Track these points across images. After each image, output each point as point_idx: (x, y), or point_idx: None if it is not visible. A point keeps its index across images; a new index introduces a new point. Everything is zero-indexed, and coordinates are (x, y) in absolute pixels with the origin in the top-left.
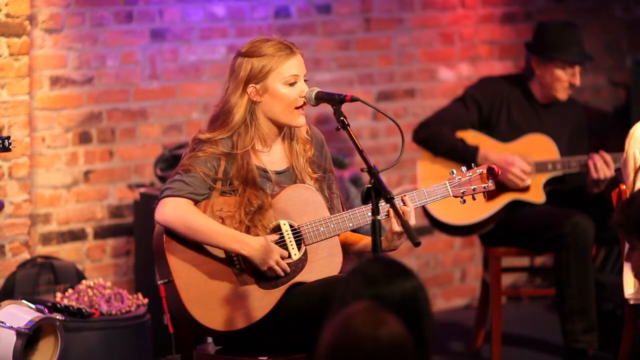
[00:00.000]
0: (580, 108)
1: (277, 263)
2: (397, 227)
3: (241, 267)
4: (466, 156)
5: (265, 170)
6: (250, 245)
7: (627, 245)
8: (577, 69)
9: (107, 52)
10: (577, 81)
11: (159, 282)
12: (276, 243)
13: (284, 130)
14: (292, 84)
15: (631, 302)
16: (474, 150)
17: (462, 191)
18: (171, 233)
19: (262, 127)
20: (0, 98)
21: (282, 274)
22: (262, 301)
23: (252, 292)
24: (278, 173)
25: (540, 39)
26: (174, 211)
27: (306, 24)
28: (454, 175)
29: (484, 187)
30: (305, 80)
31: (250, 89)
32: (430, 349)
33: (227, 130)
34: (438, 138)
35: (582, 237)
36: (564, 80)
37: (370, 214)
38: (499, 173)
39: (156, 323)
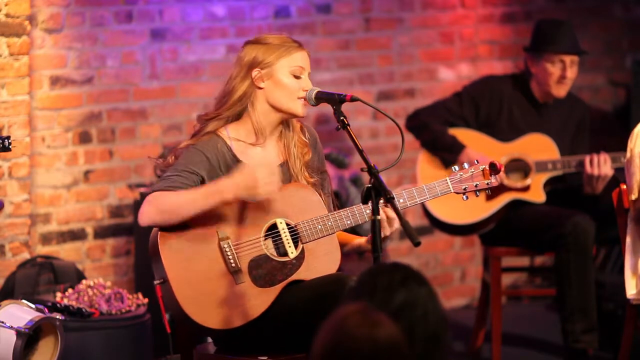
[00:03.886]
0: (583, 105)
1: (264, 178)
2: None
3: (236, 265)
4: (450, 150)
5: None
6: (226, 186)
7: (627, 243)
8: (567, 61)
9: (107, 52)
10: (569, 74)
11: (155, 283)
12: (273, 242)
13: (280, 128)
14: (297, 77)
15: (633, 302)
16: (460, 147)
17: (463, 187)
18: (165, 232)
19: (259, 115)
20: (0, 98)
21: (278, 185)
22: (259, 299)
23: (249, 290)
24: None
25: (532, 36)
26: (148, 206)
27: (306, 23)
28: (456, 172)
29: (487, 184)
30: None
31: (255, 72)
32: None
33: (223, 109)
34: (425, 127)
35: (583, 237)
36: (555, 74)
37: (368, 211)
38: (502, 169)
39: (156, 323)
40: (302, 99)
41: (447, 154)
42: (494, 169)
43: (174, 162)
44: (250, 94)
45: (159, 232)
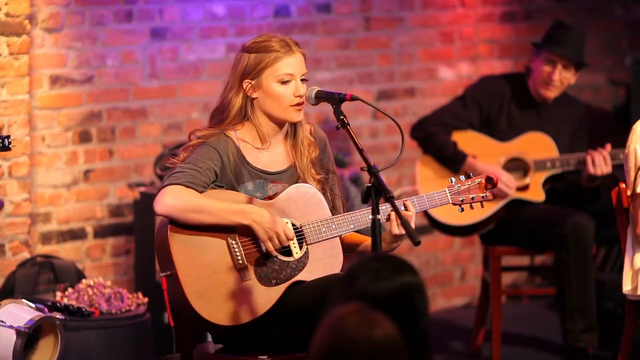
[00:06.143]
0: (581, 107)
1: (278, 235)
2: (396, 230)
3: (243, 262)
4: (454, 161)
5: (264, 172)
6: (250, 214)
7: (628, 242)
8: (560, 65)
9: (107, 51)
10: (556, 76)
11: (161, 275)
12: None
13: (285, 128)
14: (285, 82)
15: (629, 298)
16: (463, 157)
17: (461, 199)
18: (175, 225)
19: (260, 123)
20: (0, 97)
21: (281, 244)
22: (264, 297)
23: (254, 288)
24: (279, 172)
25: (544, 35)
26: (172, 199)
27: (306, 23)
28: (453, 184)
29: (482, 197)
30: (305, 80)
31: (246, 84)
32: (430, 344)
33: (224, 126)
34: (430, 138)
35: (583, 237)
36: (544, 74)
37: (370, 216)
38: (497, 183)
39: (156, 322)
40: (296, 106)
41: (451, 164)
42: (490, 182)
43: (185, 157)
44: (247, 105)
45: (169, 225)
